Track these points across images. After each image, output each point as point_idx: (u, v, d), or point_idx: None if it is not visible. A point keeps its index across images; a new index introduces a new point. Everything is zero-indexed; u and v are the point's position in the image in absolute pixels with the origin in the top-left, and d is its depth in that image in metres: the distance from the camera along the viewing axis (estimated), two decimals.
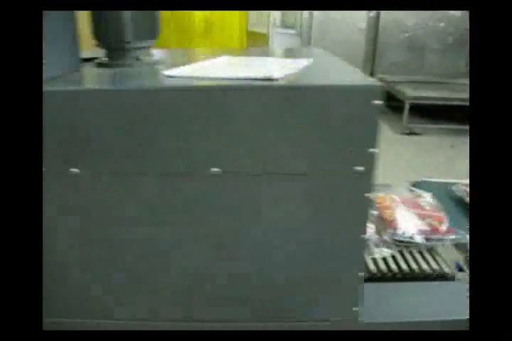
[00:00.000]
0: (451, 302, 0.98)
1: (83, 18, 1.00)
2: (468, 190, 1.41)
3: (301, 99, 0.75)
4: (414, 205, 1.31)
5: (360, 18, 4.41)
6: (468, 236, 1.14)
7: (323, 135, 0.77)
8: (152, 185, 0.82)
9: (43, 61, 0.74)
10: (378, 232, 1.19)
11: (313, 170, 0.79)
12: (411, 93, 3.89)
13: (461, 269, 1.10)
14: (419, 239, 1.16)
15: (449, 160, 3.19)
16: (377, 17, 4.40)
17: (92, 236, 0.87)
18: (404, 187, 1.47)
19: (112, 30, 0.99)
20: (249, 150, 0.79)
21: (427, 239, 1.16)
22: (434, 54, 4.40)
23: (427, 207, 1.31)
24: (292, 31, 4.67)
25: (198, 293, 0.90)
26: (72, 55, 0.97)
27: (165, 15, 3.23)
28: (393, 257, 1.13)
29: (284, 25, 4.96)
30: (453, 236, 1.17)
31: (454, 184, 1.51)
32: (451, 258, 1.13)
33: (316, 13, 4.41)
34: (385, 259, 1.12)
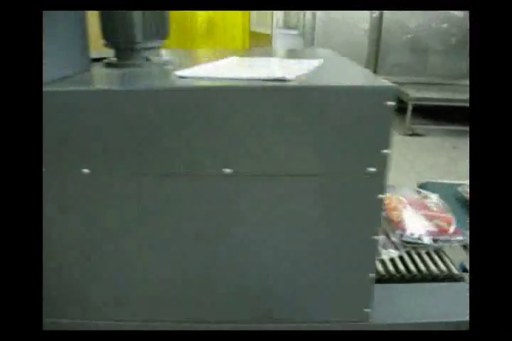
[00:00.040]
0: (459, 304, 0.98)
1: (91, 17, 1.01)
2: None
3: (313, 99, 0.75)
4: (422, 206, 1.31)
5: (362, 19, 4.41)
6: None
7: (335, 136, 0.77)
8: (163, 186, 0.82)
9: (44, 61, 0.74)
10: (385, 233, 1.19)
11: (325, 171, 0.79)
12: (414, 94, 3.89)
13: (465, 270, 1.10)
14: (427, 240, 1.15)
15: (451, 161, 3.19)
16: (380, 18, 4.40)
17: (96, 237, 0.86)
18: (408, 188, 1.47)
19: (122, 30, 0.99)
20: (261, 150, 0.78)
21: (435, 240, 1.16)
22: (437, 55, 4.40)
23: (434, 208, 1.31)
24: (295, 32, 4.66)
25: (209, 293, 0.90)
26: (83, 55, 0.97)
27: None
28: (401, 258, 1.13)
29: (287, 25, 4.96)
30: (460, 238, 1.17)
31: (459, 185, 1.51)
32: (459, 259, 1.13)
33: (319, 13, 4.40)
34: (393, 260, 1.12)
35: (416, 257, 1.13)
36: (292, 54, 1.33)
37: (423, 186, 1.50)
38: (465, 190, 1.45)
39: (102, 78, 0.98)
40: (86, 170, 0.80)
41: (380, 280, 1.04)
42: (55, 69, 0.85)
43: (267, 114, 0.76)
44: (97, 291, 0.91)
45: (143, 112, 0.77)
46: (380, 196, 0.80)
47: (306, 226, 0.84)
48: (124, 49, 1.02)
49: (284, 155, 0.79)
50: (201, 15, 3.73)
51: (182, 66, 0.97)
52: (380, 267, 1.07)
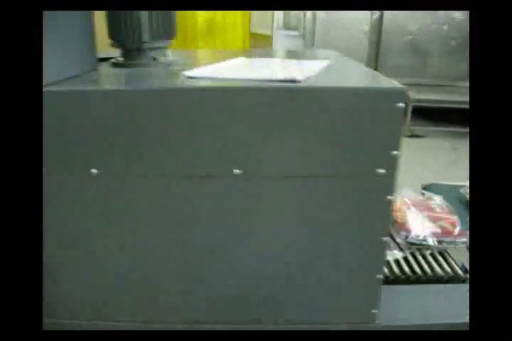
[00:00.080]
0: (464, 305, 0.98)
1: (97, 17, 1.00)
2: None
3: (324, 101, 0.75)
4: (425, 208, 1.31)
5: (363, 21, 4.41)
6: None
7: (345, 137, 0.77)
8: (173, 187, 0.82)
9: (49, 61, 0.74)
10: (390, 234, 1.19)
11: (335, 173, 0.79)
12: (414, 96, 3.89)
13: (466, 270, 1.10)
14: (431, 241, 1.16)
15: (451, 162, 3.19)
16: (381, 20, 4.41)
17: (100, 237, 0.86)
18: (411, 189, 1.47)
19: (129, 30, 0.99)
20: (271, 152, 0.78)
21: (440, 242, 1.17)
22: (437, 57, 4.41)
23: (438, 210, 1.31)
24: (295, 33, 4.67)
25: (219, 293, 0.90)
26: (90, 54, 0.96)
27: None
28: (406, 259, 1.13)
29: (287, 27, 4.97)
30: (465, 239, 1.17)
31: (462, 186, 1.51)
32: (464, 260, 1.13)
33: (319, 15, 4.41)
34: (397, 261, 1.12)
35: (420, 258, 1.13)
36: (297, 55, 1.32)
37: (427, 188, 1.50)
38: (467, 192, 1.45)
39: (109, 78, 0.97)
40: (94, 171, 0.80)
41: (385, 281, 1.04)
42: (63, 68, 0.85)
43: (278, 115, 0.76)
44: (97, 291, 0.91)
45: (152, 112, 0.77)
46: (389, 197, 0.80)
47: (314, 227, 0.83)
48: (131, 49, 1.02)
49: (294, 156, 0.79)
50: (201, 16, 3.73)
51: (188, 66, 0.97)
52: (384, 268, 1.07)
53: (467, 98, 3.72)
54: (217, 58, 1.09)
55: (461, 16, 4.22)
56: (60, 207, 0.83)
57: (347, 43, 4.37)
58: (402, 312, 0.96)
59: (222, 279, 0.89)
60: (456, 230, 1.19)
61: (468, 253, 1.16)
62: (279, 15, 4.63)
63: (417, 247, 1.17)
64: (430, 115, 4.15)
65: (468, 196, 1.43)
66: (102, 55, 1.06)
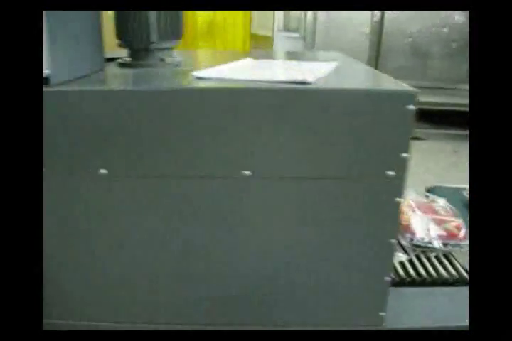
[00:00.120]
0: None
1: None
2: None
3: (335, 102, 0.75)
4: (430, 210, 1.31)
5: (363, 22, 4.42)
6: None
7: (355, 139, 0.77)
8: (182, 187, 0.81)
9: (60, 60, 0.74)
10: None
11: (345, 174, 0.79)
12: None
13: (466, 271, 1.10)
14: (437, 244, 1.16)
15: (452, 165, 3.20)
16: (381, 22, 4.42)
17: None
18: (413, 191, 1.47)
19: (138, 31, 0.98)
20: (281, 153, 0.78)
21: (445, 244, 1.17)
22: (438, 59, 4.42)
23: (442, 212, 1.31)
24: (296, 35, 4.67)
25: (225, 293, 0.90)
26: (98, 54, 0.96)
27: None
28: (410, 262, 1.13)
29: (287, 28, 4.97)
30: None
31: (465, 189, 1.51)
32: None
33: (320, 17, 4.41)
34: (403, 264, 1.12)
35: (425, 261, 1.13)
36: (302, 57, 1.32)
37: (431, 190, 1.50)
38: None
39: (117, 78, 0.97)
40: (103, 171, 0.79)
41: (390, 283, 1.04)
42: (74, 68, 0.84)
43: (288, 116, 0.76)
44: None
45: (162, 113, 0.77)
46: (398, 199, 0.80)
47: (323, 228, 0.83)
48: (139, 49, 1.02)
49: (304, 158, 0.78)
50: (201, 16, 3.72)
51: (196, 67, 0.97)
52: None
53: (468, 100, 3.73)
54: (224, 59, 1.09)
55: (462, 19, 4.23)
56: (59, 207, 0.83)
57: (347, 45, 4.37)
58: (407, 314, 0.96)
59: (225, 279, 0.89)
60: (461, 233, 1.19)
61: None
62: (279, 16, 4.63)
63: (422, 249, 1.17)
64: (431, 117, 4.16)
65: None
66: (109, 55, 1.06)
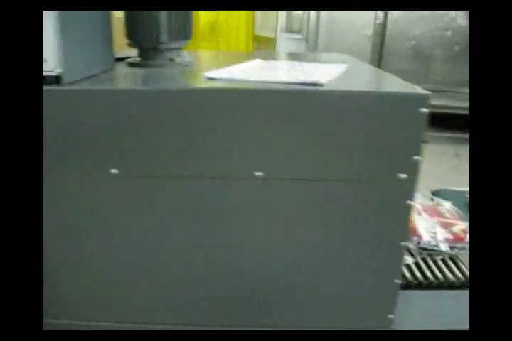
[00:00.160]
0: None
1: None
2: None
3: (347, 104, 0.75)
4: (435, 213, 1.31)
5: (366, 25, 4.42)
6: None
7: (367, 141, 0.77)
8: (194, 188, 0.81)
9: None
10: None
11: (356, 177, 0.79)
12: None
13: None
14: (443, 247, 1.16)
15: (454, 168, 3.20)
16: (384, 24, 4.42)
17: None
18: (418, 194, 1.47)
19: (148, 31, 0.98)
20: (293, 154, 0.78)
21: (451, 248, 1.17)
22: (440, 62, 4.42)
23: (448, 215, 1.31)
24: (298, 36, 4.68)
25: (229, 294, 0.90)
26: (107, 54, 0.96)
27: None
28: (417, 265, 1.13)
29: (289, 30, 4.97)
30: None
31: (467, 192, 1.51)
32: None
33: (322, 18, 4.42)
34: (409, 267, 1.12)
35: (432, 264, 1.13)
36: (310, 58, 1.32)
37: (436, 193, 1.50)
38: None
39: (126, 78, 0.97)
40: (114, 171, 0.79)
41: None
42: (82, 68, 0.84)
43: (300, 117, 0.76)
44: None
45: (175, 113, 0.77)
46: (409, 202, 0.80)
47: (334, 230, 0.83)
48: (148, 49, 1.02)
49: (316, 159, 0.78)
50: (204, 16, 3.71)
51: (206, 67, 0.97)
52: None
53: None
54: (233, 60, 1.09)
55: (465, 22, 4.23)
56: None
57: (350, 47, 4.38)
58: (413, 317, 0.96)
59: (228, 280, 0.89)
60: (468, 236, 1.19)
61: None
62: (282, 18, 4.63)
63: (428, 253, 1.17)
64: (433, 120, 4.14)
65: None
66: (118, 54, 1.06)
